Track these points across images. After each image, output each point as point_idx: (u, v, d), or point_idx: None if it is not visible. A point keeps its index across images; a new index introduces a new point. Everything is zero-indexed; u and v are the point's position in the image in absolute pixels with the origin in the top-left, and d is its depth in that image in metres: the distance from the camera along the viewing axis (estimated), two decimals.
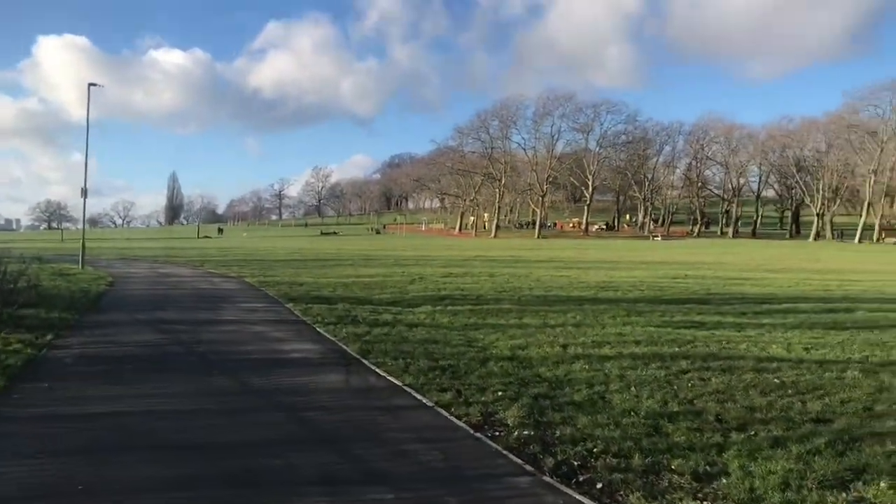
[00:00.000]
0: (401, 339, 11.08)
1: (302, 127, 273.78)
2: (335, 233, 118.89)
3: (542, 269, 28.89)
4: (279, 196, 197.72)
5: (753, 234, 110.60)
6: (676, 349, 10.31)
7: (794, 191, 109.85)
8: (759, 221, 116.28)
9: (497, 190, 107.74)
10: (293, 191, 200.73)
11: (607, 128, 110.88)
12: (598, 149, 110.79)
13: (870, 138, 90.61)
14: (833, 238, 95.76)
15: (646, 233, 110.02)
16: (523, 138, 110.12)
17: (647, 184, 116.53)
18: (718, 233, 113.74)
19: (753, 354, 9.96)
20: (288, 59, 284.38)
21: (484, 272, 26.36)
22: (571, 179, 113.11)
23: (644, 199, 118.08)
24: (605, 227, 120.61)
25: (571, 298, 17.51)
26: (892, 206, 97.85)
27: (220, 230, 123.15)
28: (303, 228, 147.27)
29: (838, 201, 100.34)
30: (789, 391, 7.81)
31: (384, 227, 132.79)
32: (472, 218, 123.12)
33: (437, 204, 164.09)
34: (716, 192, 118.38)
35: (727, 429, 6.34)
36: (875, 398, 7.58)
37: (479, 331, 12.16)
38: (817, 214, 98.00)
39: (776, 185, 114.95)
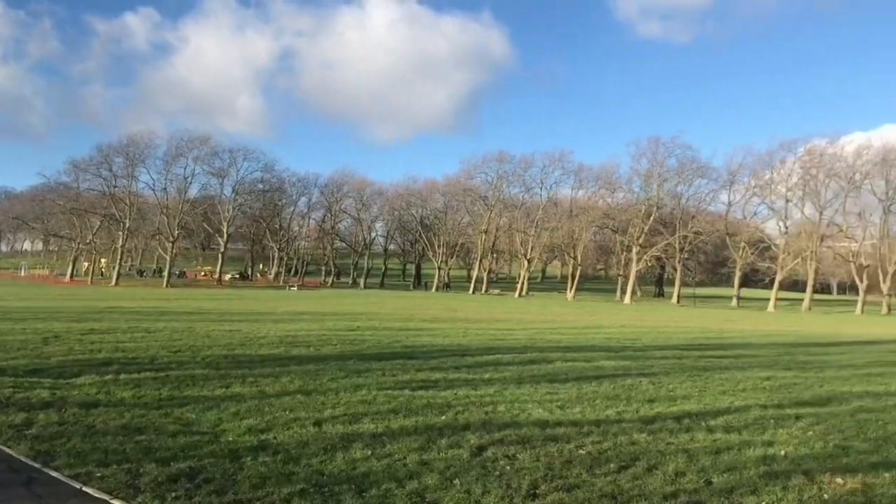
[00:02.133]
0: (87, 428, 7.95)
1: None
2: None
3: (202, 323, 25.59)
4: None
5: (381, 285, 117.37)
6: (442, 418, 9.06)
7: (416, 245, 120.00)
8: (384, 273, 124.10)
9: (120, 233, 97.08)
10: None
11: (244, 174, 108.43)
12: (233, 195, 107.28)
13: (481, 202, 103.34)
14: (444, 289, 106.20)
15: (281, 282, 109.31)
16: (153, 178, 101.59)
17: (282, 233, 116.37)
18: (350, 283, 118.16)
19: (524, 419, 9.17)
20: None
21: (134, 327, 22.31)
22: (205, 226, 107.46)
23: (279, 249, 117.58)
24: (238, 276, 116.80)
25: (267, 358, 15.25)
26: (496, 262, 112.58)
27: None
28: None
29: (454, 256, 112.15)
30: (612, 465, 7.05)
31: None
32: (86, 264, 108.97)
33: (39, 246, 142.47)
34: (348, 244, 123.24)
35: None
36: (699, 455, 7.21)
37: (185, 407, 9.48)
38: (439, 268, 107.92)
39: (400, 240, 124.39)
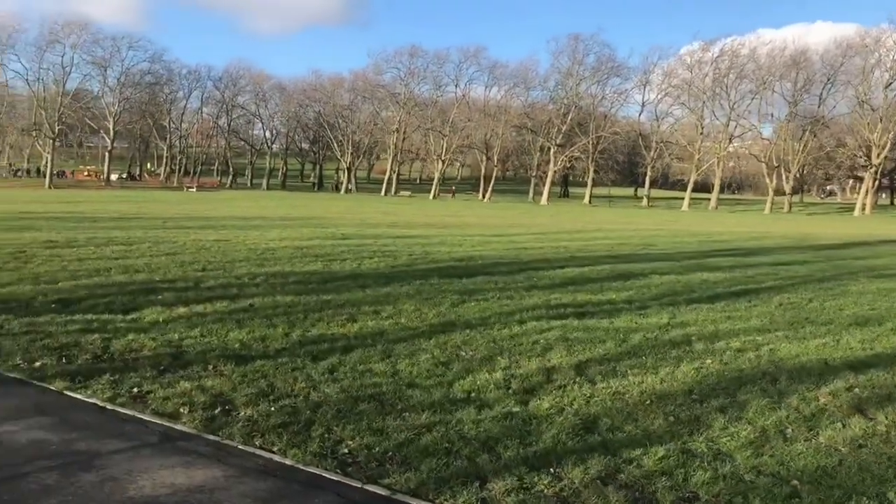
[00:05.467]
0: (313, 406, 5.56)
1: None
2: None
3: (174, 231, 22.15)
4: None
5: (283, 187, 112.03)
6: (716, 362, 7.27)
7: (317, 144, 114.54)
8: (285, 174, 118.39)
9: None
10: None
11: (129, 64, 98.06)
12: (118, 87, 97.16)
13: (391, 98, 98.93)
14: (355, 190, 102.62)
15: (176, 183, 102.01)
16: (24, 67, 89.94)
17: (173, 130, 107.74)
18: (249, 185, 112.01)
19: (812, 357, 7.53)
20: None
21: (98, 238, 18.85)
22: (87, 121, 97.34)
23: (169, 147, 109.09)
24: (127, 176, 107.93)
25: (331, 276, 12.84)
26: (409, 164, 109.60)
27: None
28: None
29: (361, 157, 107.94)
30: None
31: None
32: None
33: None
34: (246, 142, 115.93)
35: None
36: None
37: (373, 360, 7.19)
38: (347, 168, 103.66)
39: (300, 139, 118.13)
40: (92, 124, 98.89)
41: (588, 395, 6.00)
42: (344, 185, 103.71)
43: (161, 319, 8.73)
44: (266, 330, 8.27)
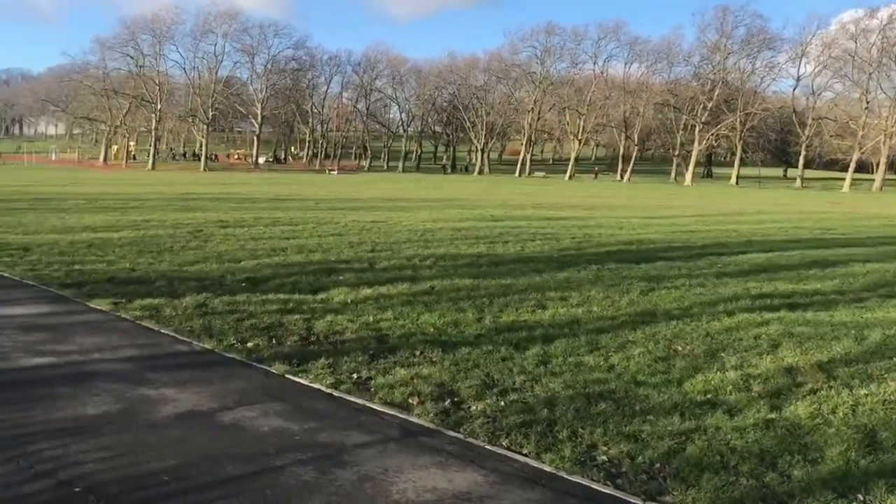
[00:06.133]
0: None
1: None
2: None
3: (329, 212, 22.70)
4: None
5: (418, 169, 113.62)
6: None
7: (449, 126, 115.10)
8: (420, 156, 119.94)
9: (153, 115, 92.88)
10: None
11: (275, 52, 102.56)
12: (265, 74, 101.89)
13: (527, 78, 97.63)
14: (488, 172, 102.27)
15: (318, 166, 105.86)
16: (182, 56, 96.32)
17: (315, 114, 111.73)
18: (385, 167, 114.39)
19: None
20: None
21: (264, 218, 19.55)
22: (237, 106, 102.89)
23: (312, 131, 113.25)
24: (273, 159, 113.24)
25: (517, 258, 12.49)
26: (542, 143, 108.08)
27: None
28: None
29: (494, 138, 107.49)
30: None
31: None
32: (115, 147, 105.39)
33: (62, 130, 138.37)
34: (384, 125, 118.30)
35: None
36: None
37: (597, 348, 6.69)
38: (481, 150, 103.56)
39: (435, 121, 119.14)
40: (241, 109, 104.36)
41: (851, 402, 5.22)
42: (477, 167, 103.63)
43: (349, 300, 8.66)
44: (456, 314, 7.99)
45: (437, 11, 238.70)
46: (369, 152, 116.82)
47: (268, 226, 17.56)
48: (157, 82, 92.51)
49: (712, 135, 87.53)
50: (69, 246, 12.77)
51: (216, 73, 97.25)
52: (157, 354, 6.05)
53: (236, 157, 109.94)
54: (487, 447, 4.21)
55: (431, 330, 7.29)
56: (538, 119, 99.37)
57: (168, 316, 7.48)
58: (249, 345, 6.42)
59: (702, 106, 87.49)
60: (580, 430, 4.51)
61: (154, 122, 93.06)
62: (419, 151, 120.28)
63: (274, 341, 6.58)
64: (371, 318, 7.65)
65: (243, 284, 9.52)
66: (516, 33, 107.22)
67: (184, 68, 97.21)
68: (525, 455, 4.13)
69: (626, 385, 5.54)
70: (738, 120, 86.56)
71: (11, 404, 4.65)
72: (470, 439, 4.33)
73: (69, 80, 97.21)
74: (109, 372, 5.47)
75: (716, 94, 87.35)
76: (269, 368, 5.72)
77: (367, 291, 9.17)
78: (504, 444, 4.27)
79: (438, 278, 10.29)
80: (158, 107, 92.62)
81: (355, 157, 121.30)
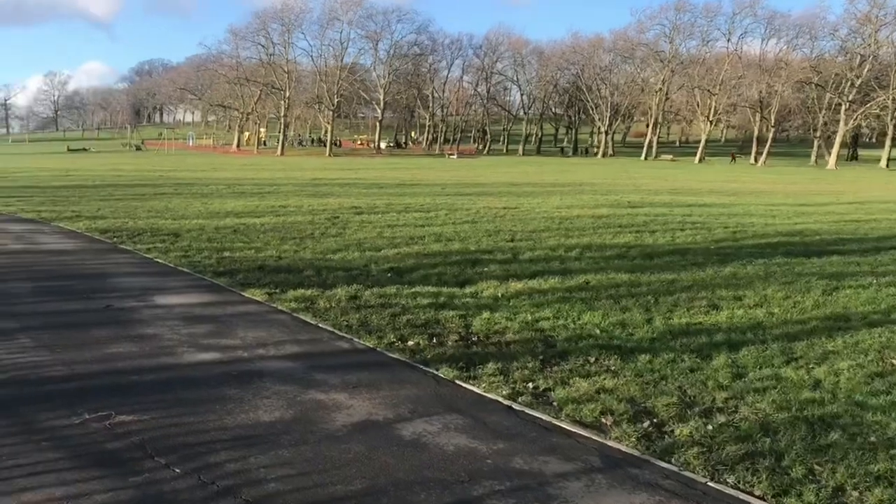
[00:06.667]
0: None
1: (18, 25, 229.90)
2: (85, 149, 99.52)
3: (459, 198, 22.38)
4: (5, 106, 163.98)
5: (538, 152, 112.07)
6: None
7: (571, 109, 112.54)
8: (540, 139, 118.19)
9: (282, 102, 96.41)
10: (21, 100, 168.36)
11: (398, 37, 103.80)
12: (388, 60, 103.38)
13: (655, 56, 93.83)
14: (612, 155, 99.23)
15: (437, 150, 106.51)
16: (309, 44, 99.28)
17: (436, 99, 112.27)
18: (505, 151, 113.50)
19: None
20: None
21: (395, 205, 19.49)
22: (361, 92, 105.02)
23: (432, 115, 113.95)
24: (395, 144, 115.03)
25: (680, 249, 11.67)
26: (668, 125, 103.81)
27: None
28: (40, 144, 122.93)
29: (619, 119, 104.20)
30: None
31: (143, 143, 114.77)
32: (246, 133, 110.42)
33: (198, 117, 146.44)
34: (505, 109, 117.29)
35: None
36: None
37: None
38: (606, 132, 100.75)
39: (556, 103, 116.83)
40: (364, 95, 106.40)
41: None
42: (601, 150, 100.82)
43: (500, 295, 8.20)
44: (621, 314, 7.34)
45: None
46: (489, 136, 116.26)
47: (400, 212, 17.43)
48: (286, 70, 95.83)
49: (861, 114, 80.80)
50: (216, 232, 13.04)
51: (341, 59, 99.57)
52: (319, 352, 5.80)
53: (359, 142, 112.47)
54: (711, 485, 3.59)
55: (598, 332, 6.69)
56: (665, 100, 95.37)
57: (323, 308, 7.28)
58: (410, 343, 6.06)
59: (849, 83, 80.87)
60: (816, 467, 3.80)
61: (283, 108, 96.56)
62: (540, 134, 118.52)
63: (434, 340, 6.19)
64: (529, 317, 7.14)
65: (389, 275, 9.26)
66: (644, 11, 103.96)
67: (311, 56, 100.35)
68: (759, 498, 3.47)
69: (849, 408, 4.73)
70: (891, 97, 79.45)
71: (185, 406, 4.47)
72: (687, 473, 3.72)
73: (205, 69, 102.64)
74: (275, 371, 5.25)
75: (865, 69, 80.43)
76: (436, 373, 5.32)
77: (517, 286, 8.67)
78: (730, 481, 3.63)
79: (591, 272, 9.65)
80: (287, 94, 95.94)
81: (474, 141, 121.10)
